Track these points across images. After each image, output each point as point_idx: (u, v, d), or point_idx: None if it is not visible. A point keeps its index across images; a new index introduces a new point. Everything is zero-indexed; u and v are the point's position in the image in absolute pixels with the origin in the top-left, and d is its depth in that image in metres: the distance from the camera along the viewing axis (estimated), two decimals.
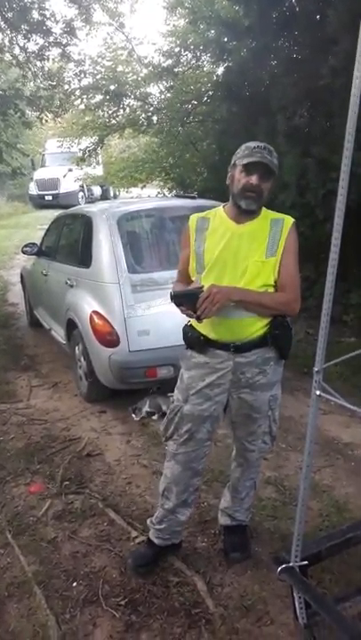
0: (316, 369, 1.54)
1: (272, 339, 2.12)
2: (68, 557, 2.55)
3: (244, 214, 2.09)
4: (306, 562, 1.77)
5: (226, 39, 7.81)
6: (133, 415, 3.96)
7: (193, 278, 2.19)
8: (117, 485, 3.16)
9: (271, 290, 2.09)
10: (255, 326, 2.10)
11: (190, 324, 2.21)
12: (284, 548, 1.97)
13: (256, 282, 2.05)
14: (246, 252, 2.07)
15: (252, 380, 2.15)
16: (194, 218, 2.23)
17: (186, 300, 2.02)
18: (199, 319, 2.00)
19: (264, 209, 2.15)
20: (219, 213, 2.18)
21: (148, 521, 2.49)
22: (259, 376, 2.15)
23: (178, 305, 2.05)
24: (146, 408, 3.97)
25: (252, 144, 2.04)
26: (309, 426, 1.66)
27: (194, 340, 2.18)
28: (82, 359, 4.29)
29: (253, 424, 2.27)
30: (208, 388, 2.18)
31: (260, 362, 2.14)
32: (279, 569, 1.76)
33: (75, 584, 2.38)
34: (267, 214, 2.14)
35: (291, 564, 1.76)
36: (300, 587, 1.72)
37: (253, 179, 2.00)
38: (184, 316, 2.11)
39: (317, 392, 1.51)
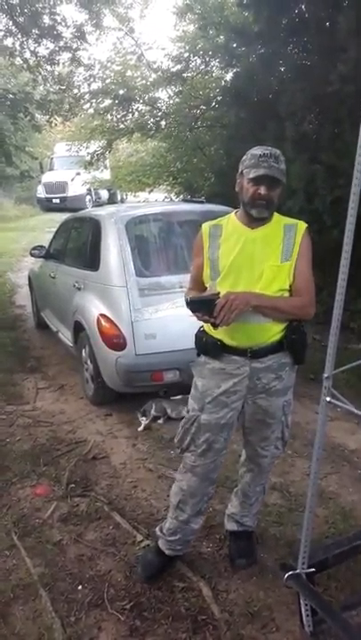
0: (325, 375, 1.54)
1: (288, 343, 2.13)
2: (74, 560, 2.55)
3: (255, 221, 2.10)
4: (313, 569, 1.77)
5: (235, 45, 7.83)
6: (144, 418, 3.94)
7: (207, 285, 2.18)
8: (123, 489, 3.16)
9: (286, 294, 2.10)
10: (272, 331, 2.11)
11: (204, 330, 2.21)
12: (291, 555, 1.97)
13: (273, 286, 2.06)
14: (261, 256, 2.08)
15: (269, 386, 2.15)
16: (206, 226, 2.23)
17: (202, 306, 2.01)
18: (216, 326, 2.00)
19: (276, 214, 2.15)
20: (231, 220, 2.18)
21: (158, 530, 2.47)
22: (275, 382, 2.15)
23: (194, 311, 2.04)
24: (152, 412, 3.97)
25: (258, 151, 2.03)
26: (318, 432, 1.66)
27: (210, 345, 2.17)
28: (88, 362, 4.29)
29: (267, 429, 2.27)
30: (224, 395, 2.17)
31: (277, 367, 2.14)
32: (286, 575, 1.77)
33: (80, 587, 2.38)
34: (280, 219, 2.15)
35: (297, 571, 1.76)
36: (307, 594, 1.72)
37: (262, 189, 2.01)
38: (191, 320, 2.11)
39: (327, 398, 1.51)
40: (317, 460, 1.69)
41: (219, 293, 2.01)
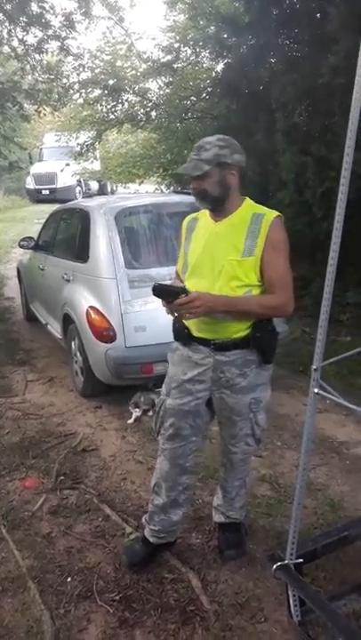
0: (314, 367, 1.54)
1: (253, 342, 2.08)
2: (63, 553, 2.55)
3: (214, 213, 2.09)
4: (301, 560, 1.78)
5: (225, 35, 7.77)
6: (137, 409, 3.93)
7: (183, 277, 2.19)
8: (112, 481, 3.16)
9: (256, 290, 2.03)
10: (236, 327, 2.06)
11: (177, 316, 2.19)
12: (279, 546, 1.98)
13: (233, 282, 2.00)
14: (222, 251, 2.02)
15: (233, 382, 2.11)
16: (186, 219, 2.25)
17: (165, 295, 1.99)
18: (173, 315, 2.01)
19: (249, 201, 2.10)
20: (205, 213, 2.16)
21: (143, 519, 2.48)
22: (239, 378, 2.11)
23: (157, 295, 2.03)
24: (142, 404, 3.97)
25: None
26: (307, 423, 1.66)
27: (179, 332, 2.18)
28: (78, 354, 4.28)
29: (234, 427, 2.23)
30: (190, 383, 2.16)
31: (241, 363, 2.09)
32: (274, 566, 1.77)
33: (69, 579, 2.38)
34: (249, 208, 2.07)
35: (286, 562, 1.77)
36: (295, 584, 1.73)
37: (192, 186, 2.05)
38: None
39: (316, 390, 1.51)
40: (306, 451, 1.69)
41: (185, 288, 2.00)
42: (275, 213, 2.03)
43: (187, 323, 2.13)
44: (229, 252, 2.00)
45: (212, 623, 2.12)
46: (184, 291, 1.97)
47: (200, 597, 2.24)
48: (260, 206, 2.10)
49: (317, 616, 1.72)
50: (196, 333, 2.12)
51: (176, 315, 2.01)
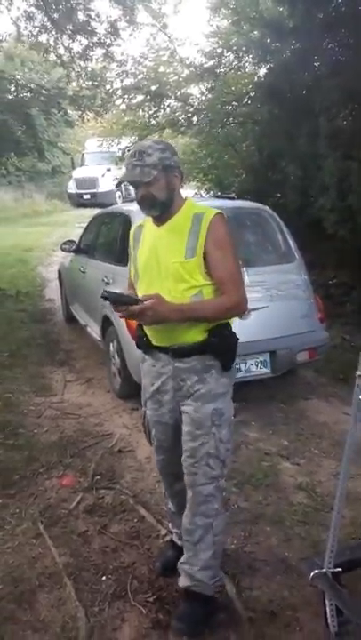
0: (358, 373, 1.51)
1: (208, 346, 2.00)
2: (98, 551, 2.57)
3: (155, 219, 2.06)
4: (339, 568, 1.75)
5: (269, 40, 7.75)
6: None
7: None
8: (148, 483, 3.17)
9: (207, 290, 1.97)
10: (192, 332, 1.99)
11: (140, 325, 2.14)
12: (316, 555, 1.94)
13: (180, 285, 1.95)
14: (166, 254, 1.98)
15: (193, 389, 2.03)
16: (133, 227, 2.24)
17: (118, 301, 1.96)
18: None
19: (190, 201, 2.06)
20: (150, 220, 2.12)
21: (170, 524, 2.48)
22: (199, 384, 2.03)
23: (109, 302, 1.99)
24: None
25: (129, 154, 2.00)
26: (350, 431, 1.63)
27: (140, 340, 2.16)
28: (116, 356, 4.32)
29: (194, 441, 2.04)
30: (159, 394, 2.13)
31: (200, 369, 2.02)
32: (311, 574, 1.74)
33: (104, 578, 2.39)
34: (190, 209, 2.02)
35: (324, 570, 1.74)
36: (333, 593, 1.69)
37: (137, 194, 2.00)
38: None
39: (360, 396, 1.48)
40: (348, 459, 1.66)
41: (137, 297, 1.99)
42: (214, 211, 1.99)
43: (146, 330, 2.10)
44: (173, 255, 1.96)
45: (245, 630, 2.10)
46: (137, 301, 1.93)
47: (234, 603, 2.23)
48: (202, 205, 2.07)
49: (355, 627, 1.68)
50: (154, 342, 2.09)
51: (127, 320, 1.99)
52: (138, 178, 1.94)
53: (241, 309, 2.00)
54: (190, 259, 1.94)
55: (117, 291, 2.15)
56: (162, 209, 2.00)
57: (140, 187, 1.97)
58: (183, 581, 2.16)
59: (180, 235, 1.97)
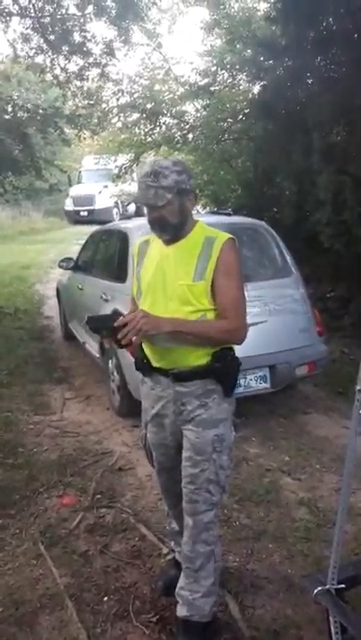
0: (358, 387, 1.51)
1: (212, 371, 1.97)
2: (100, 571, 2.55)
3: (165, 240, 2.02)
4: (343, 585, 1.73)
5: (262, 58, 7.85)
6: None
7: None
8: (149, 501, 3.16)
9: (211, 315, 1.94)
10: (194, 355, 1.95)
11: (140, 345, 2.11)
12: (319, 572, 1.93)
13: (185, 307, 1.91)
14: (174, 274, 1.95)
15: (194, 414, 1.99)
16: (137, 242, 2.19)
17: (100, 324, 1.94)
18: (120, 345, 1.88)
19: (201, 224, 2.02)
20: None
21: (172, 543, 2.46)
22: (200, 409, 1.99)
23: (94, 331, 1.99)
24: None
25: (143, 170, 1.93)
26: (349, 446, 1.63)
27: (139, 362, 2.12)
28: (115, 373, 4.32)
29: (195, 467, 2.01)
30: (159, 418, 2.11)
31: (202, 393, 1.98)
32: (315, 591, 1.73)
33: (106, 598, 2.37)
34: (202, 231, 2.00)
35: (327, 587, 1.72)
36: (337, 610, 1.68)
37: (149, 214, 1.95)
38: None
39: (360, 411, 1.48)
40: (349, 474, 1.66)
41: (117, 312, 1.96)
42: (227, 236, 1.96)
43: (146, 351, 2.07)
44: (181, 277, 1.93)
45: None
46: (116, 313, 1.91)
47: (237, 623, 2.21)
48: (213, 229, 2.03)
49: None
50: (154, 363, 2.04)
51: (119, 342, 1.85)
52: (152, 201, 1.89)
53: (239, 336, 1.96)
54: (198, 282, 1.91)
55: (114, 307, 2.14)
56: (173, 233, 1.96)
57: (150, 209, 1.94)
58: (182, 611, 2.09)
59: (189, 257, 1.94)
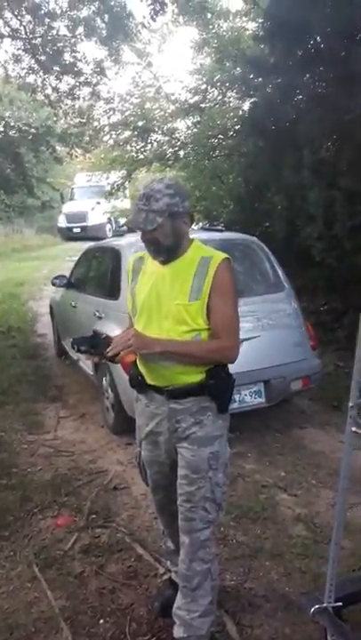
0: (351, 404, 1.51)
1: (206, 388, 1.97)
2: (95, 593, 2.52)
3: (161, 261, 2.01)
4: (340, 603, 1.72)
5: (252, 76, 7.97)
6: None
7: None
8: (144, 520, 3.12)
9: (205, 334, 1.94)
10: (188, 373, 1.96)
11: (134, 362, 2.12)
12: (317, 589, 1.91)
13: (180, 327, 1.92)
14: (169, 294, 1.95)
15: (189, 432, 1.99)
16: (131, 258, 2.18)
17: (84, 342, 1.97)
18: (112, 360, 1.92)
19: (197, 243, 2.03)
20: None
21: (168, 563, 2.42)
22: (195, 427, 1.98)
23: (78, 351, 2.02)
24: None
25: (139, 192, 1.94)
26: (344, 462, 1.63)
27: (133, 378, 2.12)
28: (109, 391, 4.30)
29: (191, 485, 2.00)
30: (154, 435, 2.09)
31: (196, 410, 1.98)
32: (312, 609, 1.71)
33: (102, 621, 2.34)
34: (197, 251, 2.00)
35: (324, 605, 1.71)
36: (335, 628, 1.66)
37: (142, 237, 1.95)
38: None
39: (353, 428, 1.48)
40: (343, 490, 1.65)
41: (103, 333, 2.01)
42: (222, 256, 1.96)
43: (141, 369, 2.07)
44: (177, 296, 1.93)
45: None
46: (102, 335, 1.93)
47: None
48: (208, 248, 2.03)
49: None
50: (149, 381, 2.04)
51: (108, 356, 1.91)
52: (142, 225, 1.89)
53: (231, 355, 1.96)
54: (194, 302, 1.91)
55: (104, 326, 2.15)
56: (167, 254, 1.96)
57: (142, 232, 1.94)
58: (179, 632, 2.06)
59: (184, 277, 1.94)
